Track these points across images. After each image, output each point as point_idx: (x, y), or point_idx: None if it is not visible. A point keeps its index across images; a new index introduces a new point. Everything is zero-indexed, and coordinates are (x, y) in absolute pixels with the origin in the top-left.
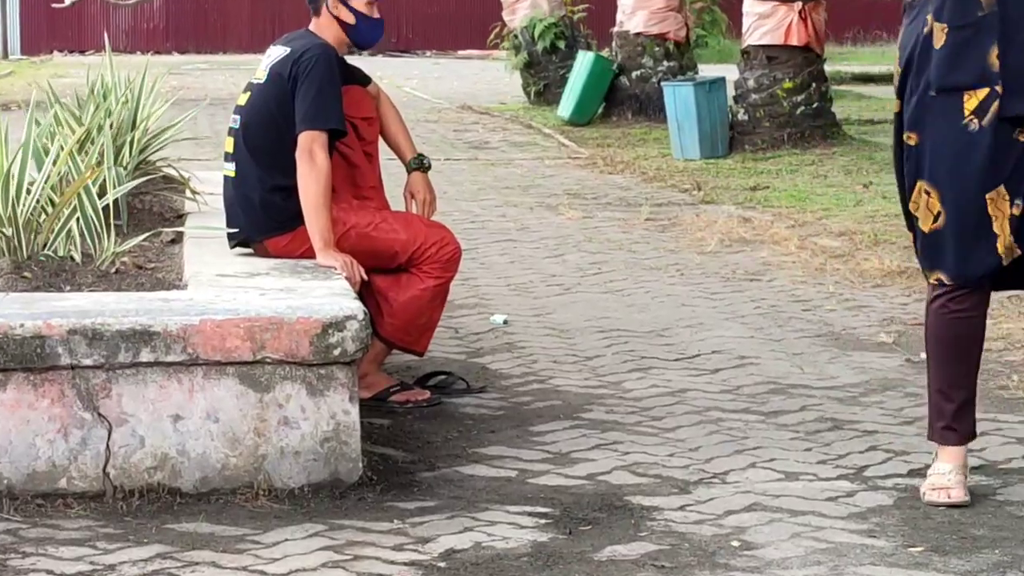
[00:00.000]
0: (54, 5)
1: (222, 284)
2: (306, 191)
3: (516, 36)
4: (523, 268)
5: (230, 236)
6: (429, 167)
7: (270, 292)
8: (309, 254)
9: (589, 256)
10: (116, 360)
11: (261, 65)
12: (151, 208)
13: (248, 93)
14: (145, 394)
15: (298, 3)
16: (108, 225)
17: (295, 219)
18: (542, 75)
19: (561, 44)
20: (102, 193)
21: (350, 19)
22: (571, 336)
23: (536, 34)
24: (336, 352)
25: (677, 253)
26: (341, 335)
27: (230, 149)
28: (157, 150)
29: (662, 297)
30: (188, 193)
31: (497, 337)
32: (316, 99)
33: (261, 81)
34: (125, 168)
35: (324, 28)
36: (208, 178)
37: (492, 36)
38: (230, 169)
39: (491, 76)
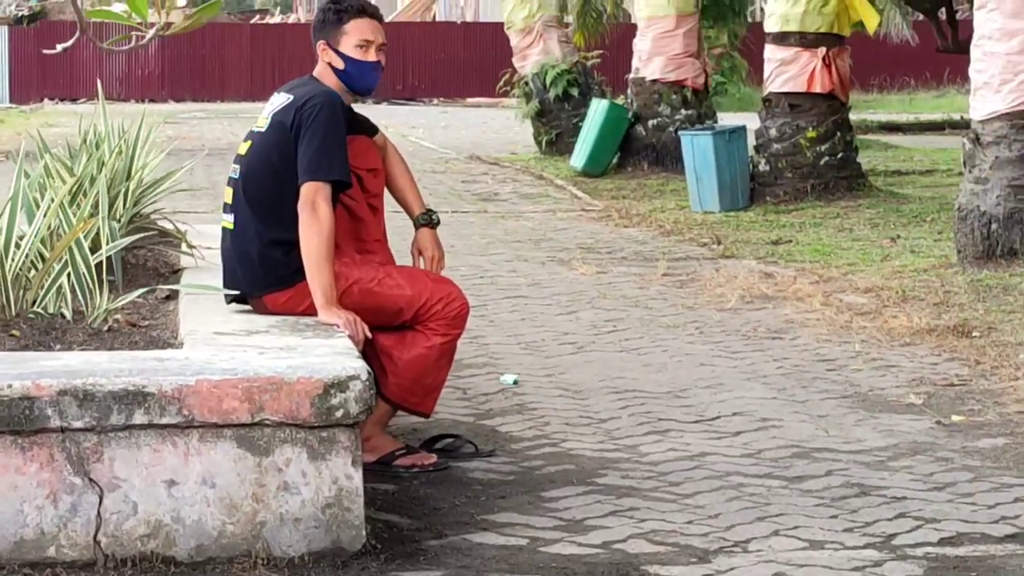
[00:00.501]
0: (45, 51)
1: (219, 342)
2: (308, 245)
3: (527, 83)
4: (534, 326)
5: (227, 292)
6: (438, 223)
7: (269, 351)
8: (311, 311)
9: (604, 313)
10: (108, 422)
11: (263, 112)
12: (145, 263)
13: (249, 142)
14: (138, 458)
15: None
16: (100, 281)
17: (296, 274)
18: (554, 124)
19: (574, 91)
20: (94, 247)
21: (339, 64)
22: (585, 397)
23: (548, 81)
24: (338, 414)
25: (696, 310)
26: (344, 396)
27: (229, 200)
28: (152, 202)
29: (680, 356)
30: (184, 247)
31: (507, 398)
32: (320, 149)
33: (262, 129)
34: (119, 221)
35: (323, 74)
36: (205, 231)
37: (502, 83)
38: (228, 221)
39: (500, 125)
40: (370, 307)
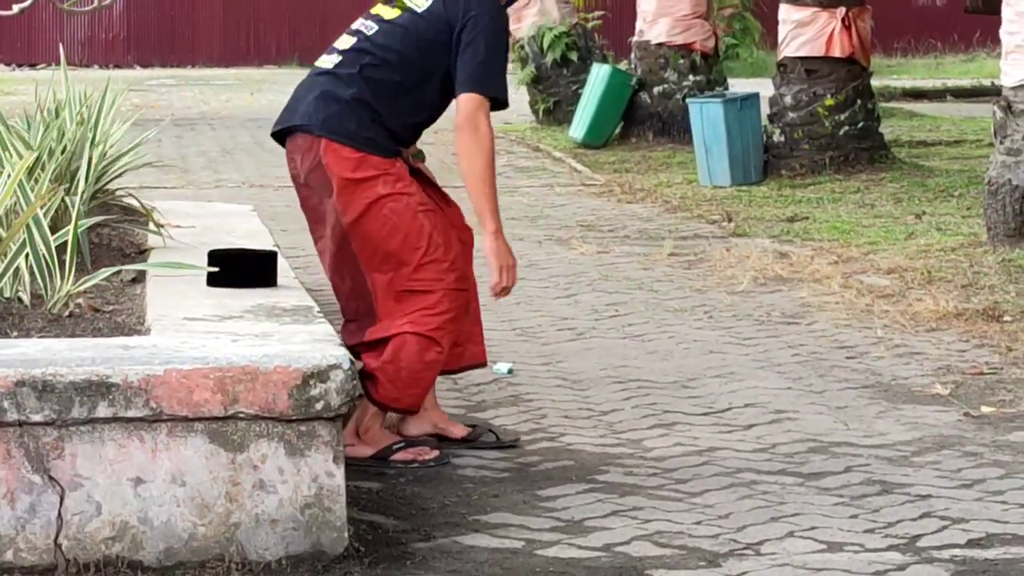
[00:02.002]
0: (0, 13)
1: (189, 329)
2: (472, 164)
3: (522, 47)
4: (530, 310)
5: (279, 128)
6: (422, 158)
7: (244, 338)
8: (357, 194)
9: (605, 296)
10: (69, 416)
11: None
12: (109, 243)
13: (397, 10)
14: (102, 454)
15: (278, 9)
16: (61, 262)
17: (369, 143)
18: (552, 91)
19: (573, 56)
20: (54, 226)
21: None
22: (585, 388)
23: (545, 45)
24: (318, 406)
25: (705, 293)
26: (324, 387)
27: (343, 47)
28: (116, 176)
29: (688, 343)
30: (151, 226)
31: (501, 388)
32: (486, 61)
33: (420, 10)
34: (80, 197)
35: None
36: (173, 208)
37: None
38: (329, 62)
39: None
40: (402, 226)
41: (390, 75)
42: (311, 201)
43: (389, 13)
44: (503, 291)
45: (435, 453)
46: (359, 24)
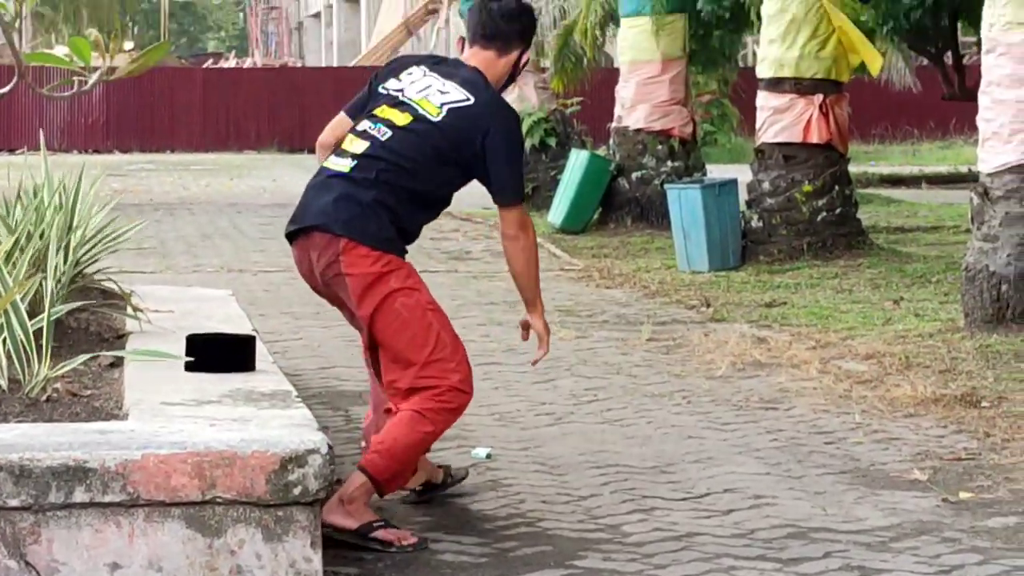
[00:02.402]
0: None
1: (167, 413)
2: (529, 262)
3: None
4: (509, 395)
5: (292, 228)
6: None
7: (222, 422)
8: (372, 289)
9: (584, 381)
10: (46, 500)
11: (421, 91)
12: (87, 327)
13: (410, 117)
14: (79, 539)
15: (257, 95)
16: (39, 347)
17: (386, 243)
18: (531, 176)
19: (552, 141)
20: (33, 311)
21: (510, 74)
22: (563, 472)
23: (524, 130)
24: (296, 491)
25: (683, 378)
26: (302, 471)
27: (356, 151)
28: (95, 261)
29: (666, 428)
30: (129, 310)
31: (480, 473)
32: (518, 170)
33: (435, 119)
34: (59, 281)
35: (497, 69)
36: (152, 293)
37: None
38: (344, 166)
39: None
40: (413, 323)
41: (406, 181)
42: (328, 294)
43: (401, 119)
44: (537, 360)
45: (414, 540)
46: (369, 127)
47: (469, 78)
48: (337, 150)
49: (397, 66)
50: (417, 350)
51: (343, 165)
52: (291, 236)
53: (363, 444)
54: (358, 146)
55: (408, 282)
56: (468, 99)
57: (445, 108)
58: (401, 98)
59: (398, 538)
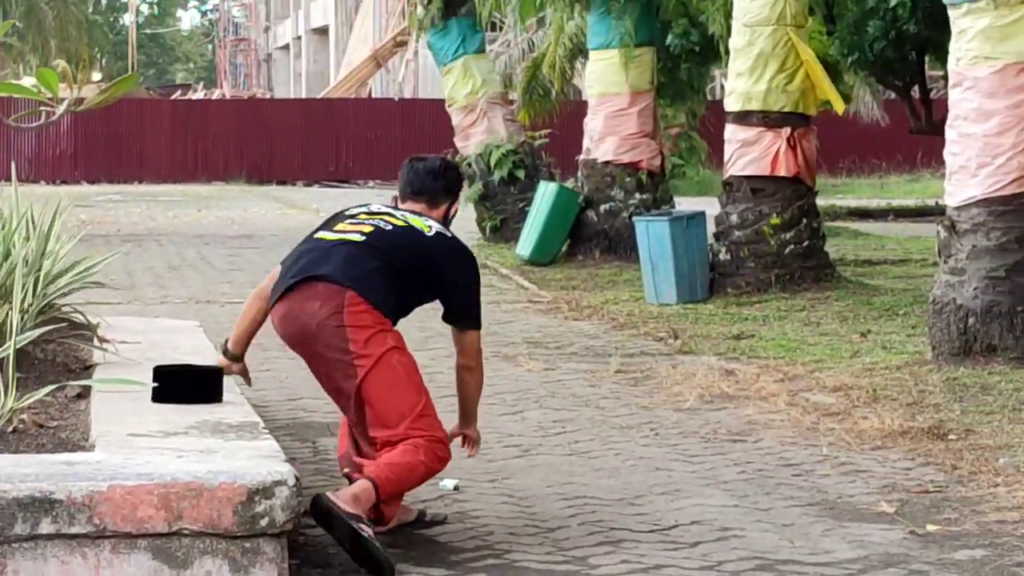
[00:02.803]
0: None
1: (134, 445)
2: (480, 388)
3: (470, 164)
4: (477, 426)
5: (294, 280)
6: None
7: (189, 454)
8: (372, 343)
9: (552, 413)
10: (12, 532)
11: (405, 213)
12: (54, 358)
13: (403, 223)
14: (45, 571)
15: (224, 126)
16: (5, 378)
17: (388, 311)
18: (499, 208)
19: (520, 173)
20: None
21: (444, 220)
22: (531, 504)
23: (492, 162)
24: (263, 522)
25: (651, 410)
26: (269, 503)
27: (367, 230)
28: (63, 293)
29: (634, 460)
30: (96, 341)
31: (447, 505)
32: (477, 302)
33: (429, 233)
34: (26, 312)
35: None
36: (119, 324)
37: None
38: (355, 236)
39: None
40: (405, 378)
41: (399, 268)
42: (309, 352)
43: (397, 221)
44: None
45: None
46: (367, 220)
47: (424, 219)
48: (334, 235)
49: (348, 208)
50: (410, 405)
51: (348, 237)
52: (284, 292)
53: (344, 470)
54: (364, 228)
55: (401, 343)
56: (449, 233)
57: (434, 230)
58: (392, 212)
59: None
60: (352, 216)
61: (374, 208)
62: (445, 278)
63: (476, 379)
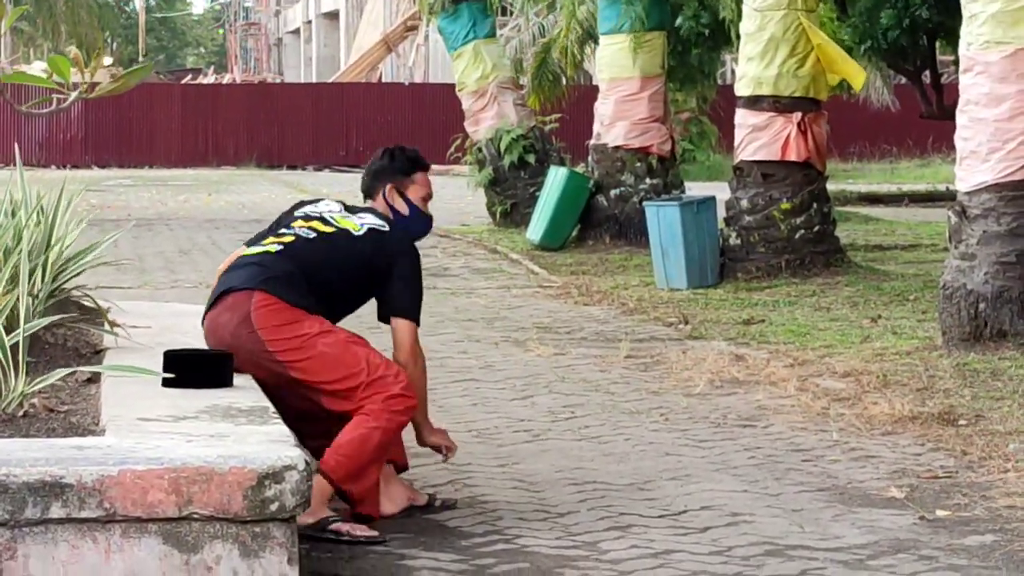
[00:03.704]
0: None
1: (144, 429)
2: (420, 380)
3: (480, 149)
4: (487, 411)
5: (214, 298)
6: None
7: (199, 438)
8: (287, 334)
9: (561, 398)
10: (22, 516)
11: (341, 213)
12: (65, 343)
13: (332, 229)
14: (55, 555)
15: (235, 111)
16: (16, 362)
17: (301, 308)
18: (509, 193)
19: (531, 158)
20: (9, 326)
21: (404, 210)
22: (541, 489)
23: (502, 147)
24: (273, 507)
25: (661, 395)
26: (279, 488)
27: (287, 240)
28: (73, 276)
29: (644, 445)
30: (107, 326)
31: (457, 490)
32: (417, 294)
33: (358, 233)
34: (36, 297)
35: (385, 213)
36: (130, 308)
37: (453, 149)
38: (269, 247)
39: (451, 194)
40: (341, 356)
41: (321, 278)
42: (243, 364)
43: (324, 229)
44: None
45: (372, 533)
46: (293, 230)
47: (381, 213)
48: (255, 248)
49: (306, 202)
50: (354, 377)
51: (266, 247)
52: (206, 314)
53: None
54: (284, 239)
55: (323, 326)
56: (384, 226)
57: (365, 227)
58: (324, 216)
59: (352, 529)
60: (287, 225)
61: (313, 211)
62: (376, 272)
63: (415, 377)
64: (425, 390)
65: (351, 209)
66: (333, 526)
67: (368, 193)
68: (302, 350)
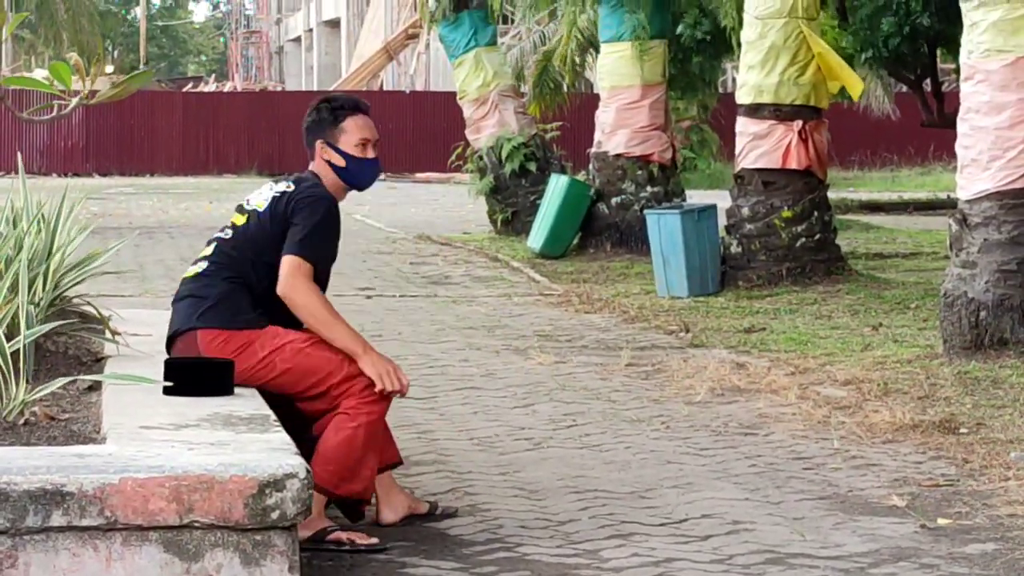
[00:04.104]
0: None
1: (145, 437)
2: (314, 310)
3: (481, 157)
4: (488, 419)
5: (168, 342)
6: None
7: (200, 446)
8: (242, 364)
9: (562, 406)
10: (23, 524)
11: (261, 194)
12: (66, 351)
13: (245, 216)
14: (56, 563)
15: (236, 118)
16: (17, 370)
17: (244, 323)
18: (510, 201)
19: (532, 166)
20: (10, 334)
21: (340, 162)
22: (542, 497)
23: (504, 155)
24: (274, 515)
25: (662, 403)
26: (280, 496)
27: (207, 253)
28: (74, 284)
29: (645, 453)
30: (108, 334)
31: (458, 498)
32: (311, 232)
33: (261, 210)
34: (37, 305)
35: (322, 172)
36: (131, 317)
37: (454, 157)
38: (197, 268)
39: (452, 202)
40: (302, 367)
41: (249, 268)
42: None
43: (240, 220)
44: (396, 393)
45: (372, 540)
46: (216, 234)
47: (301, 176)
48: (191, 268)
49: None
50: (322, 382)
51: (195, 268)
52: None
53: None
54: (207, 250)
55: (275, 342)
56: (290, 187)
57: (269, 198)
58: (244, 206)
59: (351, 538)
60: (221, 230)
61: (243, 201)
62: (287, 229)
63: (300, 302)
64: (323, 310)
65: (292, 177)
66: (332, 536)
67: (311, 155)
68: (266, 370)
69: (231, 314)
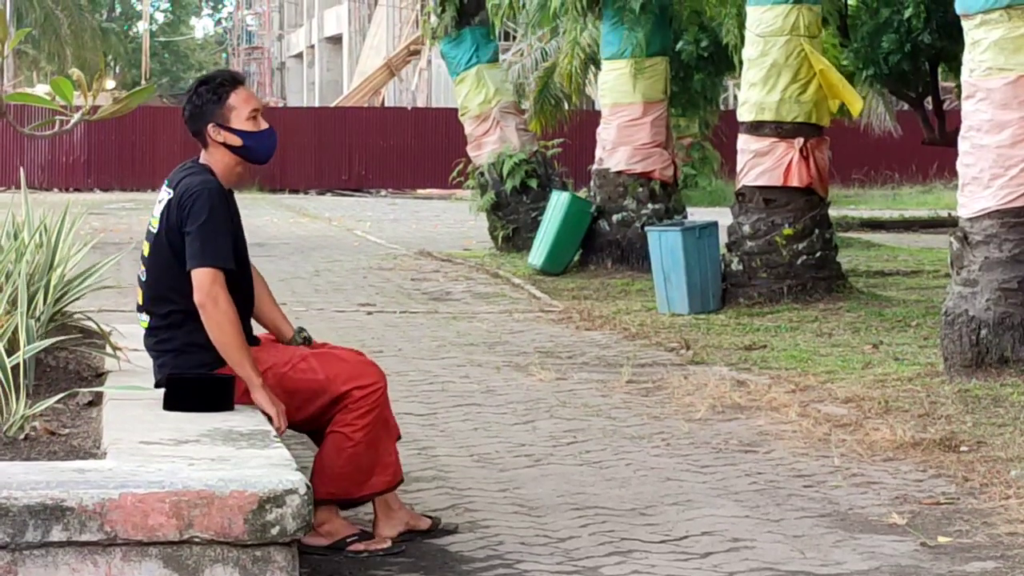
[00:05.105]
0: None
1: (146, 452)
2: (219, 334)
3: (482, 174)
4: (488, 436)
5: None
6: (310, 342)
7: (200, 462)
8: (243, 398)
9: (563, 423)
10: (23, 539)
11: (154, 211)
12: (66, 365)
13: (148, 243)
14: None
15: None
16: (17, 385)
17: (209, 367)
18: (511, 218)
19: (533, 183)
20: (11, 348)
21: (236, 141)
22: (542, 514)
23: (505, 171)
24: (274, 531)
25: (662, 420)
26: (280, 511)
27: (140, 301)
28: (75, 299)
29: (645, 470)
30: (108, 349)
31: (459, 515)
32: (206, 237)
33: (156, 229)
34: (38, 320)
35: (214, 156)
36: (132, 332)
37: (455, 173)
38: (145, 321)
39: (453, 218)
40: (287, 391)
41: (177, 299)
42: None
43: (146, 248)
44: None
45: (386, 543)
46: (139, 274)
47: (180, 171)
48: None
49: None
50: (310, 401)
51: (143, 320)
52: None
53: None
54: (139, 296)
55: (255, 381)
56: (169, 195)
57: (160, 213)
58: (149, 229)
59: (369, 547)
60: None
61: (148, 226)
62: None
63: (211, 320)
64: (233, 335)
65: (172, 177)
66: (351, 547)
67: (201, 143)
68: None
69: (199, 360)
